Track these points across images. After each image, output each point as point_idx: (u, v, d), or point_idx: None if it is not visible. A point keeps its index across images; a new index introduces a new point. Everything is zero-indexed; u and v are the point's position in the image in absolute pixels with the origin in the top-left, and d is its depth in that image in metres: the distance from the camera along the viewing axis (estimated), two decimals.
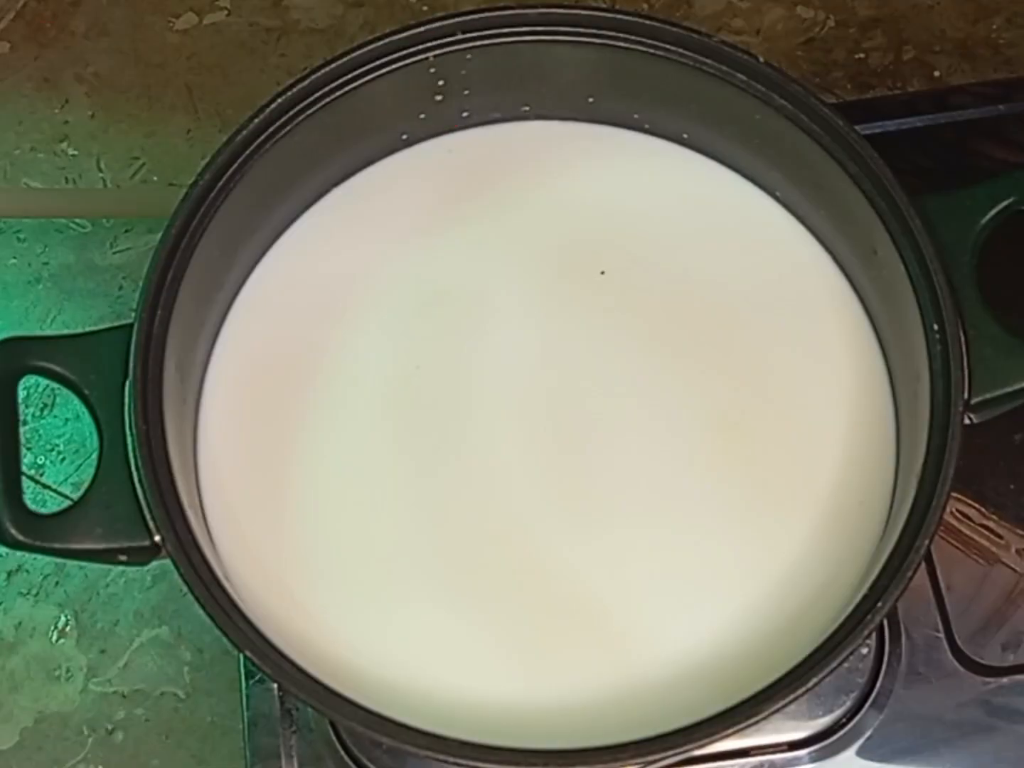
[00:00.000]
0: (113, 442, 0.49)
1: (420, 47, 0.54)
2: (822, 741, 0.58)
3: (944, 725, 0.59)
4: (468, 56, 0.54)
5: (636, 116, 0.58)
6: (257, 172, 0.53)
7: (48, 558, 0.65)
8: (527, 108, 0.58)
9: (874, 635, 0.58)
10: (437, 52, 0.54)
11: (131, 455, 0.49)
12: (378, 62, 0.54)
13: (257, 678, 0.60)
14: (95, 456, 0.49)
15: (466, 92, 0.56)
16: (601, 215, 0.57)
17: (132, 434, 0.49)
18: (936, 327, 0.49)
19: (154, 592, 0.77)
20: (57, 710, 0.75)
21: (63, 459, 0.80)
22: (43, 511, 0.50)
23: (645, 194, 0.58)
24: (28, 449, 0.80)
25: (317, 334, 0.56)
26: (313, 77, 0.53)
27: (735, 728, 0.45)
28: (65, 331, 0.76)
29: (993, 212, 0.51)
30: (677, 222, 0.57)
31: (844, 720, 0.58)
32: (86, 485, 0.49)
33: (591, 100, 0.57)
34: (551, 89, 0.57)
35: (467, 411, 0.55)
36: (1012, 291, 0.57)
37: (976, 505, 0.61)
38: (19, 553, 0.65)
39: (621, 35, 0.54)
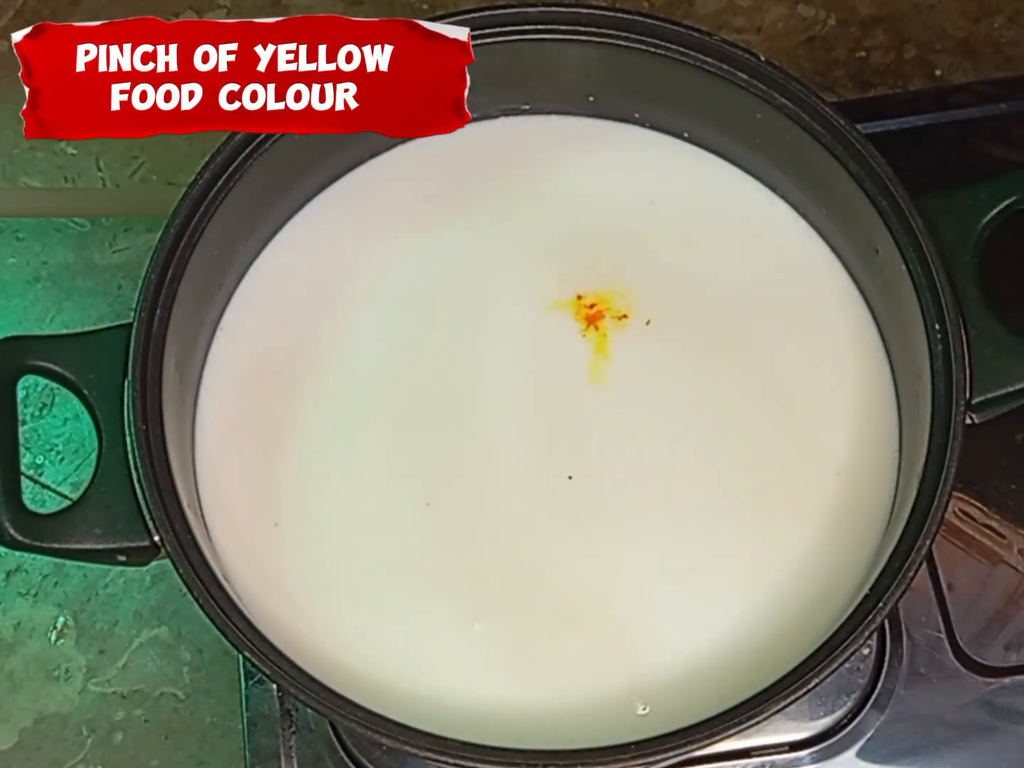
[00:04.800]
0: (112, 442, 0.49)
1: None
2: (823, 742, 0.58)
3: (945, 726, 0.59)
4: None
5: (637, 114, 0.58)
6: (256, 171, 0.53)
7: (47, 558, 0.65)
8: (528, 106, 0.58)
9: (875, 636, 0.58)
10: None
11: (130, 455, 0.49)
12: None
13: (256, 679, 0.60)
14: (94, 456, 0.49)
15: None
16: (602, 211, 0.57)
17: (131, 434, 0.49)
18: (937, 326, 0.49)
19: (153, 592, 0.76)
20: (56, 711, 0.75)
21: (62, 459, 0.79)
22: (42, 511, 0.50)
23: (646, 190, 0.57)
24: (27, 449, 0.79)
25: (314, 332, 0.56)
26: None
27: (736, 728, 0.45)
28: (64, 330, 0.77)
29: (995, 211, 0.51)
30: (678, 218, 0.57)
31: (845, 721, 0.58)
32: (85, 485, 0.49)
33: (592, 99, 0.57)
34: (552, 87, 0.57)
35: (465, 409, 0.54)
36: (1013, 290, 0.57)
37: (978, 505, 0.61)
38: (18, 553, 0.65)
39: (622, 34, 0.54)
